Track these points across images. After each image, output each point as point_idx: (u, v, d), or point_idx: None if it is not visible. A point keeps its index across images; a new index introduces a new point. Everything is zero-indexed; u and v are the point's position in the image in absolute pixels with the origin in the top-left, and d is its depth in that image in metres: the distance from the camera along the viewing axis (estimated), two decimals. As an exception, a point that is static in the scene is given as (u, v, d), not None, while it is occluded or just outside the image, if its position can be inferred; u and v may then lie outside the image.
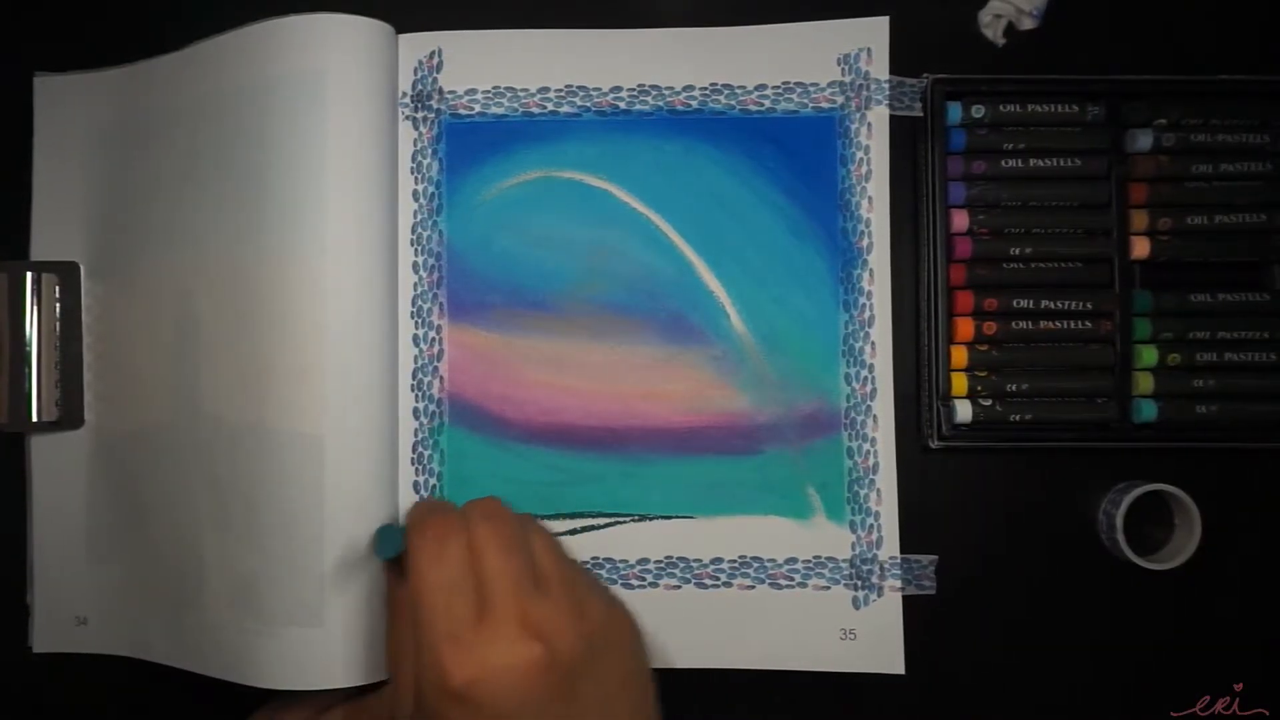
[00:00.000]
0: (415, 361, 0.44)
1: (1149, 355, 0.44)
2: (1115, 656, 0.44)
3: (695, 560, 0.44)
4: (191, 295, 0.42)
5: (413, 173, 0.45)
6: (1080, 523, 0.45)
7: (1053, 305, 0.44)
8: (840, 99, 0.44)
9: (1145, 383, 0.43)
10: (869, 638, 0.43)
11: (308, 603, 0.40)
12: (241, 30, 0.42)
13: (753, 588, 0.43)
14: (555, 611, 0.33)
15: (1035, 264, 0.44)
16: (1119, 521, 0.42)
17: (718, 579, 0.44)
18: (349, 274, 0.41)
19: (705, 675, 0.43)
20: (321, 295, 0.40)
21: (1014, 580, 0.44)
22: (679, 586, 0.44)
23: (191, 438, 0.42)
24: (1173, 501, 0.44)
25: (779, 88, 0.44)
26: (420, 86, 0.45)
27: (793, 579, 0.43)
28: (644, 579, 0.44)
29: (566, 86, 0.45)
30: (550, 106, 0.45)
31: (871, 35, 0.44)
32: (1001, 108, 0.44)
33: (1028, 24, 0.45)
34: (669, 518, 0.44)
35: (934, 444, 0.44)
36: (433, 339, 0.44)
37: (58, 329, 0.45)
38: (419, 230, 0.44)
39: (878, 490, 0.43)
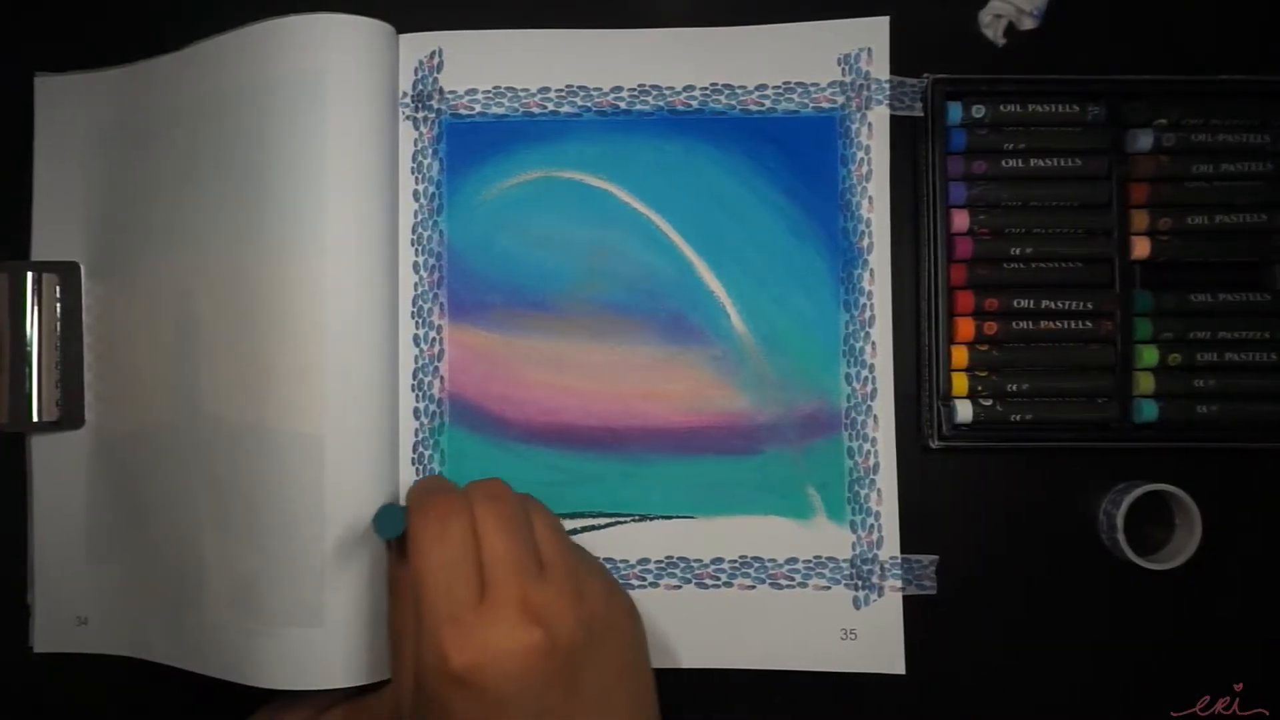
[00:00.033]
0: (415, 361, 0.44)
1: (1149, 355, 0.44)
2: (1115, 656, 0.44)
3: (696, 560, 0.44)
4: (191, 295, 0.42)
5: (413, 173, 0.45)
6: (1080, 523, 0.45)
7: (1053, 305, 0.44)
8: (840, 99, 0.44)
9: (1146, 383, 0.43)
10: (869, 638, 0.43)
11: (308, 603, 0.40)
12: (241, 30, 0.42)
13: (753, 588, 0.43)
14: (556, 595, 0.33)
15: (1036, 264, 0.44)
16: (1119, 521, 0.42)
17: (718, 579, 0.44)
18: (349, 274, 0.41)
19: (705, 675, 0.43)
20: (322, 295, 0.40)
21: (1014, 580, 0.44)
22: (679, 586, 0.44)
23: (191, 438, 0.42)
24: (1173, 501, 0.44)
25: (779, 88, 0.44)
26: (420, 86, 0.45)
27: (793, 579, 0.43)
28: (644, 579, 0.44)
29: (567, 86, 0.45)
30: (551, 106, 0.45)
31: (872, 35, 0.44)
32: (1002, 108, 0.44)
33: (1028, 24, 0.45)
34: (669, 518, 0.44)
35: (934, 444, 0.44)
36: (433, 339, 0.44)
37: (58, 329, 0.45)
38: (419, 230, 0.44)
39: (878, 490, 0.43)
